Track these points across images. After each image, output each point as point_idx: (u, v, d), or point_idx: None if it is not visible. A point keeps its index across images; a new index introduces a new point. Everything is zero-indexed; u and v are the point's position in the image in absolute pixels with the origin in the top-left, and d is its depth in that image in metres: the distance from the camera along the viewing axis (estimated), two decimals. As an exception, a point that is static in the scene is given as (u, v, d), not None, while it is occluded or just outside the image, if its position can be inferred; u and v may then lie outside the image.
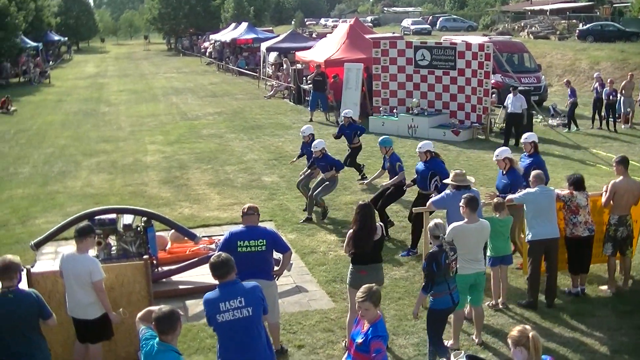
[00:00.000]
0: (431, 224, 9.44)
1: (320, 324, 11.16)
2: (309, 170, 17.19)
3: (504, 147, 13.99)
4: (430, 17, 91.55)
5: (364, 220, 9.88)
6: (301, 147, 18.46)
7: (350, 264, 10.19)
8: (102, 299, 9.18)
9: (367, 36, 33.59)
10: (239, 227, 9.79)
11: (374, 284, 7.65)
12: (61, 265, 9.36)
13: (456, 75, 26.33)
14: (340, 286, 12.56)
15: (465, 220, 9.89)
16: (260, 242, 9.54)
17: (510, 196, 12.00)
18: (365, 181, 17.64)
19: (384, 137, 16.29)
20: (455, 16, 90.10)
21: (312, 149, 16.65)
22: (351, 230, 9.96)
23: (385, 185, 15.52)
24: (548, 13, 69.23)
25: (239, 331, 7.52)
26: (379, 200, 15.11)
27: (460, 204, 10.01)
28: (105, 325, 9.37)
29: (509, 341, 6.29)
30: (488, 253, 11.38)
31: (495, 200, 11.80)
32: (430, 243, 9.79)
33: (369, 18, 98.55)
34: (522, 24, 67.30)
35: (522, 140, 14.60)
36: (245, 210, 9.83)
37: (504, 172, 13.04)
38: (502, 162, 13.08)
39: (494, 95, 27.14)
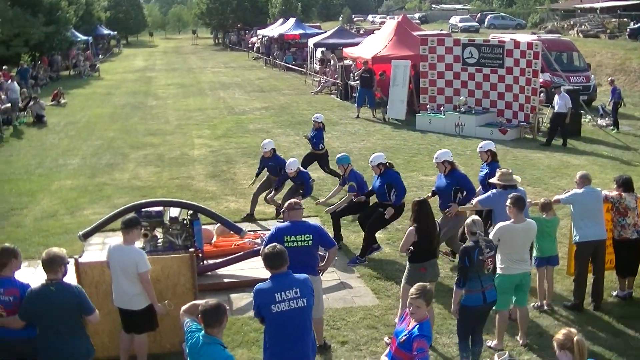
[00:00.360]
0: (469, 220, 9.40)
1: (364, 321, 11.17)
2: (273, 191, 16.63)
3: (443, 150, 13.35)
4: (479, 15, 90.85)
5: (423, 216, 9.88)
6: (260, 161, 17.33)
7: (408, 262, 10.19)
8: (147, 290, 9.28)
9: (415, 33, 33.53)
10: (285, 223, 9.83)
11: (427, 283, 7.67)
12: (108, 256, 9.48)
13: (504, 73, 26.13)
14: (384, 283, 12.57)
15: (512, 220, 9.82)
16: (307, 237, 9.55)
17: (557, 197, 11.91)
18: (321, 200, 15.81)
19: (341, 154, 15.42)
20: (503, 14, 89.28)
21: (287, 170, 15.80)
22: (412, 228, 9.95)
23: (334, 208, 14.58)
24: (598, 11, 68.22)
25: (292, 322, 7.58)
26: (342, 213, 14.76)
27: (507, 203, 9.93)
28: (150, 316, 9.48)
29: (554, 344, 6.26)
30: (534, 253, 11.31)
31: (542, 200, 11.72)
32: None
33: (416, 15, 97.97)
34: (572, 22, 66.47)
35: (477, 149, 13.98)
36: (292, 205, 9.86)
37: (444, 174, 12.99)
38: (441, 165, 13.00)
39: (542, 95, 26.91)
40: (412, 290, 7.46)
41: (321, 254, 10.24)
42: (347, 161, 14.82)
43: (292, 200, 10.13)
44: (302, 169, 16.31)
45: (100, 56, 74.45)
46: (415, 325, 7.29)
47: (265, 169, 17.00)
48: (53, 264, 7.90)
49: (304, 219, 9.99)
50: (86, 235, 12.73)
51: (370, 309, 11.58)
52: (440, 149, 13.43)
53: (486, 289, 9.18)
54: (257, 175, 17.42)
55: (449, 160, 12.92)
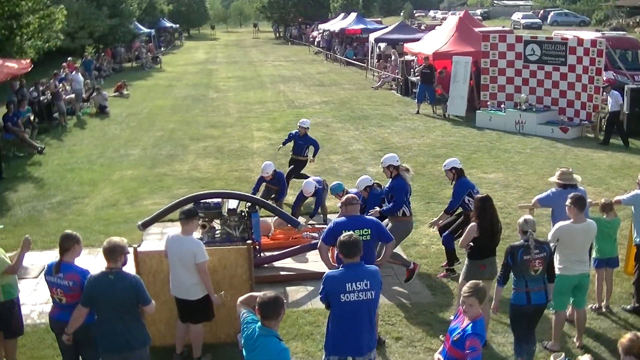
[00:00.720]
0: (521, 219, 9.29)
1: (419, 317, 11.15)
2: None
3: (389, 155, 13.00)
4: (542, 11, 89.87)
5: (484, 213, 9.84)
6: (258, 181, 16.50)
7: (467, 259, 10.15)
8: (204, 281, 9.38)
9: (476, 29, 33.18)
10: (343, 217, 9.84)
11: (480, 281, 7.63)
12: (166, 246, 9.61)
13: (566, 71, 25.80)
14: (441, 280, 12.53)
15: (572, 220, 9.70)
16: (365, 232, 9.52)
17: (617, 197, 11.74)
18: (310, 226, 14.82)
19: (334, 183, 14.97)
20: (567, 11, 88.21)
21: (263, 173, 15.86)
22: (473, 224, 9.90)
23: None
24: (666, 8, 67.07)
25: (359, 313, 7.64)
26: None
27: (567, 203, 9.80)
28: (206, 306, 9.58)
29: (620, 348, 6.18)
30: (593, 254, 11.17)
31: (603, 200, 11.55)
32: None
33: (478, 11, 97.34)
34: (638, 20, 65.36)
35: (443, 167, 13.64)
36: (349, 200, 9.87)
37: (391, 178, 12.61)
38: (386, 170, 12.69)
39: (605, 93, 26.49)
40: (465, 288, 7.43)
41: None
42: (340, 189, 14.37)
43: (350, 195, 10.14)
44: (277, 170, 16.19)
45: (162, 48, 75.20)
46: (469, 324, 7.25)
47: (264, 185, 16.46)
48: (113, 253, 8.02)
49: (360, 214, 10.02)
50: (145, 225, 12.91)
51: (425, 306, 11.56)
52: (387, 154, 13.05)
53: (532, 290, 9.06)
54: (284, 144, 18.68)
55: (394, 165, 12.59)
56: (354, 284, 7.58)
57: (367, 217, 10.10)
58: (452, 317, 8.75)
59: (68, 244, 8.46)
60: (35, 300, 12.23)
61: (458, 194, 12.63)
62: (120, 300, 7.94)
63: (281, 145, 19.37)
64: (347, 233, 8.02)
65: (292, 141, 18.43)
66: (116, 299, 7.93)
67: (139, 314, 8.21)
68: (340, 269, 7.82)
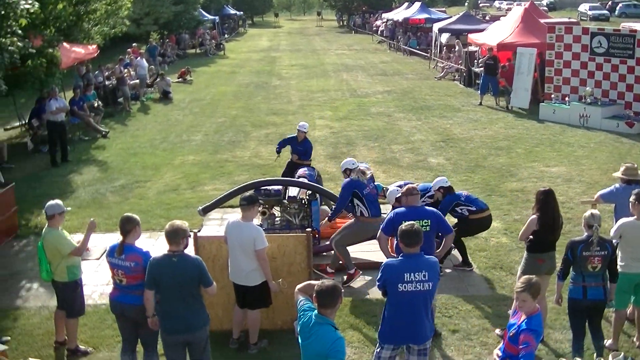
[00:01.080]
0: (587, 213, 9.12)
1: (476, 310, 11.08)
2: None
3: (347, 159, 12.94)
4: (609, 3, 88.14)
5: (546, 207, 9.72)
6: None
7: (525, 252, 10.04)
8: (263, 267, 9.44)
9: (542, 20, 32.70)
10: (403, 208, 9.82)
11: (533, 276, 7.55)
12: (226, 232, 9.70)
13: (634, 64, 25.21)
14: (499, 273, 12.42)
15: (635, 217, 9.51)
16: (425, 223, 9.52)
17: None
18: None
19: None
20: (636, 2, 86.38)
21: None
22: (534, 217, 9.79)
23: None
24: None
25: (415, 303, 7.66)
26: None
27: (631, 199, 9.60)
28: (264, 292, 9.65)
29: None
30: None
31: None
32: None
33: (544, 2, 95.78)
34: None
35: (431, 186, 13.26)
36: (410, 190, 9.84)
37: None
38: (343, 173, 12.58)
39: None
40: (518, 283, 7.36)
41: None
42: (380, 189, 14.00)
43: (410, 185, 10.11)
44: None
45: (226, 35, 75.67)
46: (525, 319, 7.18)
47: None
48: (176, 236, 8.13)
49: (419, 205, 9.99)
50: (206, 210, 13.04)
51: (483, 299, 11.47)
52: (346, 159, 13.05)
53: (589, 285, 8.89)
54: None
55: (351, 168, 12.45)
56: (412, 274, 7.58)
57: (427, 208, 10.05)
58: (509, 312, 8.68)
59: (130, 226, 8.64)
60: (96, 281, 12.46)
61: (443, 211, 11.93)
62: (183, 282, 8.07)
63: (277, 156, 17.51)
64: (409, 222, 8.03)
65: (288, 146, 16.91)
66: (179, 280, 8.06)
67: (200, 295, 8.32)
68: (399, 258, 7.82)
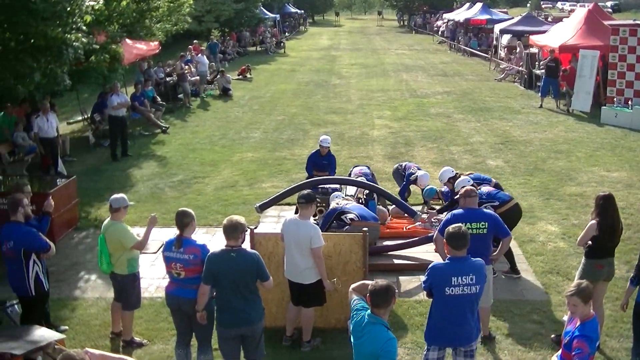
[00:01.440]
0: None
1: (531, 315, 10.97)
2: None
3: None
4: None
5: (606, 212, 9.59)
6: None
7: (584, 258, 9.91)
8: (319, 266, 9.48)
9: (606, 22, 32.18)
10: (460, 210, 9.77)
11: (584, 280, 7.45)
12: (283, 229, 9.76)
13: (700, 68, 24.81)
14: (556, 278, 12.29)
15: None
16: (482, 225, 9.47)
17: None
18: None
19: (428, 188, 15.02)
20: None
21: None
22: (593, 222, 9.65)
23: None
24: None
25: (462, 306, 7.64)
26: None
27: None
28: (319, 291, 9.68)
29: None
30: None
31: None
32: None
33: (608, 3, 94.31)
34: None
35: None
36: (468, 192, 9.79)
37: None
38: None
39: None
40: (570, 288, 7.26)
41: None
42: (434, 193, 14.48)
43: (469, 187, 10.05)
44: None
45: (286, 34, 75.96)
46: (578, 325, 7.08)
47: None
48: (234, 231, 8.23)
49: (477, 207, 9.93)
50: (263, 207, 13.11)
51: (538, 304, 11.35)
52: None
53: None
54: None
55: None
56: (459, 277, 7.56)
57: (485, 210, 9.99)
58: (564, 318, 8.58)
59: (187, 220, 8.79)
60: (153, 275, 12.64)
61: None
62: (241, 277, 8.17)
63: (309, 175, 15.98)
64: (457, 225, 7.99)
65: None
66: (237, 275, 8.15)
67: (257, 289, 8.42)
68: (446, 261, 7.79)
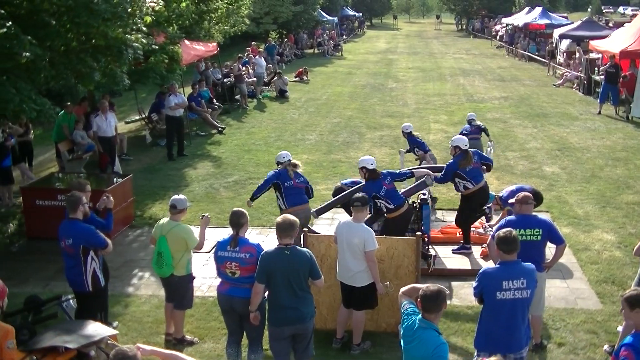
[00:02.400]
0: None
1: (584, 324, 10.84)
2: None
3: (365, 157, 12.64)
4: None
5: None
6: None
7: None
8: (371, 269, 9.50)
9: (669, 29, 31.70)
10: (513, 216, 9.71)
11: (638, 288, 7.34)
12: (337, 232, 9.80)
13: None
14: (611, 287, 12.13)
15: None
16: (536, 232, 9.41)
17: None
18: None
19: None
20: None
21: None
22: None
23: None
24: None
25: (513, 311, 7.61)
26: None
27: None
28: (371, 294, 9.71)
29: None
30: None
31: None
32: None
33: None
34: None
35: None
36: (524, 198, 9.72)
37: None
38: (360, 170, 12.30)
39: None
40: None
41: None
42: (492, 198, 14.22)
43: (524, 193, 9.98)
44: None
45: (344, 36, 76.00)
46: (632, 333, 6.92)
47: None
48: (289, 229, 8.33)
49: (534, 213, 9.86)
50: (319, 212, 13.13)
51: (592, 313, 11.22)
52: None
53: None
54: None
55: (368, 167, 12.14)
56: (510, 282, 7.55)
57: (540, 217, 9.90)
58: (619, 329, 8.46)
59: (243, 220, 8.93)
60: (205, 274, 12.80)
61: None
62: (294, 274, 8.27)
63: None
64: (507, 229, 8.00)
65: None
66: (291, 273, 8.25)
67: (309, 288, 8.51)
68: (497, 265, 7.76)
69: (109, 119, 19.45)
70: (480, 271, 7.84)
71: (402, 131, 17.50)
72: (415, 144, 17.11)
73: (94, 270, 9.71)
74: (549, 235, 9.54)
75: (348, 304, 9.88)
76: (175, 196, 10.21)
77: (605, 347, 9.98)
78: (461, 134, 16.63)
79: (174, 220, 9.98)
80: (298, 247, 8.49)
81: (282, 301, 8.33)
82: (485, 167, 13.64)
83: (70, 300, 10.63)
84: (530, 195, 9.94)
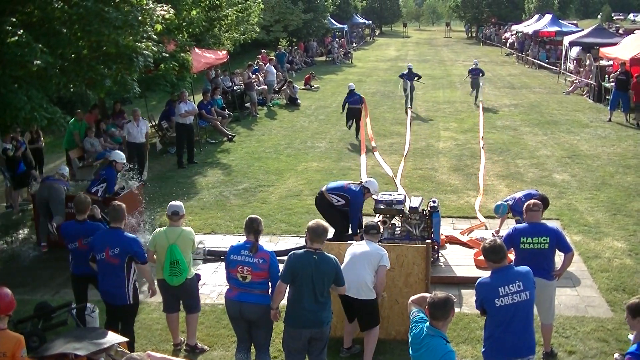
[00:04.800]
0: None
1: (595, 333, 10.80)
2: None
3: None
4: None
5: None
6: None
7: None
8: (380, 284, 9.57)
9: (680, 35, 31.63)
10: (523, 224, 9.70)
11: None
12: (348, 250, 9.87)
13: None
14: (621, 296, 12.06)
15: None
16: (544, 240, 9.39)
17: None
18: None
19: (498, 204, 14.52)
20: None
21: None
22: None
23: None
24: None
25: (516, 316, 7.59)
26: None
27: None
28: (374, 309, 9.71)
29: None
30: None
31: None
32: None
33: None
34: None
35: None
36: (531, 206, 9.70)
37: None
38: None
39: None
40: None
41: None
42: (505, 210, 14.10)
43: (533, 201, 9.97)
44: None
45: (354, 44, 76.12)
46: (637, 342, 6.90)
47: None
48: (321, 235, 8.47)
49: (542, 221, 9.84)
50: None
51: (603, 321, 11.17)
52: None
53: None
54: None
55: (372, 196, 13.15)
56: (506, 287, 7.56)
57: (548, 225, 9.88)
58: (629, 337, 8.41)
59: (261, 227, 9.05)
60: (215, 282, 12.80)
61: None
62: (319, 279, 8.35)
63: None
64: (491, 239, 8.03)
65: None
66: (316, 277, 8.34)
67: (329, 294, 8.58)
68: (490, 275, 7.76)
69: (140, 127, 20.11)
70: (476, 284, 7.86)
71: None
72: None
73: (134, 282, 9.72)
74: (557, 244, 9.52)
75: (352, 319, 9.94)
76: (173, 202, 10.19)
77: (616, 355, 9.88)
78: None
79: (176, 226, 9.95)
80: (325, 253, 8.55)
81: (303, 304, 8.39)
82: None
83: (94, 313, 10.70)
84: (538, 202, 9.92)
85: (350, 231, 13.44)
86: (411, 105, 31.24)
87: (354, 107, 25.92)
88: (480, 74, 34.52)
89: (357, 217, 13.41)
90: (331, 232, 14.91)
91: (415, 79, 32.46)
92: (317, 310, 8.39)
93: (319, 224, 8.49)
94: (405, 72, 32.55)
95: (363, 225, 10.82)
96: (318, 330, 8.47)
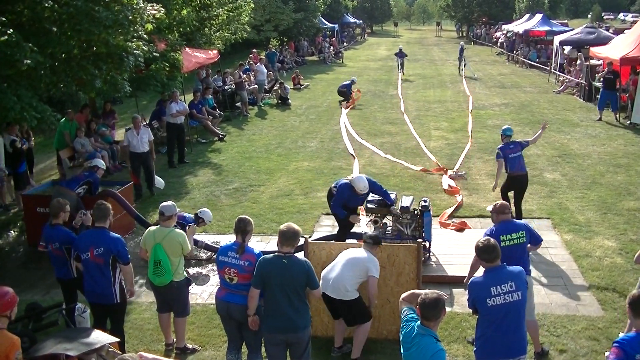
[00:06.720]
0: None
1: (586, 331, 10.82)
2: None
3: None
4: None
5: None
6: None
7: None
8: (372, 295, 9.62)
9: (670, 35, 31.66)
10: (497, 225, 9.78)
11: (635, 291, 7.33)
12: (340, 254, 9.87)
13: None
14: (612, 294, 12.09)
15: None
16: (521, 234, 9.60)
17: None
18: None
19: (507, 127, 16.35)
20: None
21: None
22: None
23: None
24: None
25: (507, 316, 7.60)
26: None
27: None
28: (361, 305, 9.72)
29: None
30: None
31: None
32: None
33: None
34: None
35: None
36: (500, 208, 9.85)
37: None
38: None
39: None
40: None
41: None
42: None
43: (501, 202, 10.09)
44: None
45: (344, 43, 76.16)
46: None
47: None
48: (291, 239, 8.37)
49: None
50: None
51: (594, 320, 11.19)
52: None
53: None
54: None
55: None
56: (498, 287, 7.57)
57: (518, 221, 10.12)
58: (621, 335, 8.42)
59: (250, 227, 8.98)
60: (205, 282, 12.82)
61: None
62: (291, 283, 8.26)
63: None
64: (485, 238, 8.05)
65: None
66: (287, 281, 8.25)
67: (305, 297, 8.51)
68: (483, 274, 7.77)
69: (141, 135, 18.41)
70: (469, 282, 7.88)
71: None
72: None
73: (120, 281, 9.68)
74: (531, 236, 9.76)
75: (336, 316, 9.95)
76: (164, 203, 10.18)
77: (607, 353, 9.94)
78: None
79: (166, 227, 9.92)
80: (296, 256, 8.47)
81: (276, 309, 8.34)
82: None
83: (85, 313, 10.67)
84: (507, 204, 10.06)
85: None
86: (402, 71, 46.84)
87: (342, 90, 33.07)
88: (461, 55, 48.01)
89: (337, 209, 13.19)
90: (327, 231, 15.04)
91: (405, 57, 49.00)
92: (292, 316, 8.32)
93: (290, 228, 8.40)
94: (397, 52, 49.19)
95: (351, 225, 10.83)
96: (293, 335, 8.41)
